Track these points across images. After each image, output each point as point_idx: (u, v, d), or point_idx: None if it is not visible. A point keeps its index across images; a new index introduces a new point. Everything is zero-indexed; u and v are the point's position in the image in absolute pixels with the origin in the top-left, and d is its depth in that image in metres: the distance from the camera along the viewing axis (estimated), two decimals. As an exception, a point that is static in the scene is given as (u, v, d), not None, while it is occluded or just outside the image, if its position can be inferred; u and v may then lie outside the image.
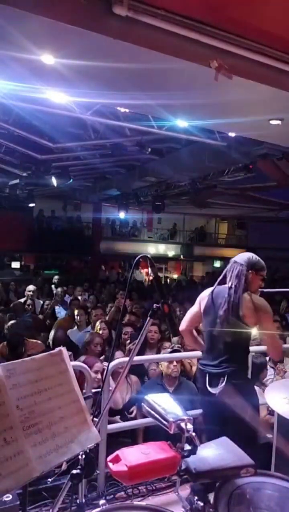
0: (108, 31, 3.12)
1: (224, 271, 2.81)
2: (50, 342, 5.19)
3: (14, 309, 6.91)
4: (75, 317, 6.28)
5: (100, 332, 4.94)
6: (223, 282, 2.79)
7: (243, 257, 2.78)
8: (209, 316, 2.73)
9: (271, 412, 3.78)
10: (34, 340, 4.74)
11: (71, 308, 6.92)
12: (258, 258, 2.78)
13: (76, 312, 6.38)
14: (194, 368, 4.58)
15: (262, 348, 4.71)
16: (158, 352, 4.52)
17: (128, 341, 4.76)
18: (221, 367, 2.63)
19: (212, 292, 2.78)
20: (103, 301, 8.91)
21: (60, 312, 7.77)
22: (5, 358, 4.07)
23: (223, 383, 2.57)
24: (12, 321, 4.73)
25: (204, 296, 2.82)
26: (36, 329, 5.84)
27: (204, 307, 2.78)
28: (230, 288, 2.67)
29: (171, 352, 4.12)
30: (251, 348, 4.46)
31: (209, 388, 2.62)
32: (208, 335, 2.75)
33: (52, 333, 5.05)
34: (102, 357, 4.24)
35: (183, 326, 2.93)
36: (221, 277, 2.81)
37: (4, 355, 4.27)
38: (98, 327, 5.09)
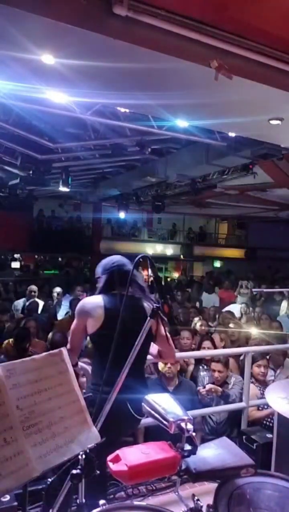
0: (108, 31, 3.12)
1: (105, 277, 2.45)
2: (48, 345, 5.19)
3: (29, 308, 6.98)
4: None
5: None
6: (109, 289, 2.41)
7: (126, 260, 2.47)
8: (108, 329, 2.14)
9: (260, 408, 3.85)
10: (37, 340, 4.79)
11: (73, 308, 6.93)
12: None
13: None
14: (191, 367, 4.60)
15: (262, 348, 4.74)
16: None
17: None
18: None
19: (108, 301, 2.34)
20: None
21: (59, 312, 7.79)
22: (9, 355, 4.14)
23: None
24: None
25: (93, 308, 2.34)
26: (46, 330, 5.88)
27: (102, 319, 2.29)
28: (132, 297, 2.31)
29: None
30: (251, 348, 4.48)
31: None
32: (106, 349, 2.03)
33: (50, 335, 5.04)
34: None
35: (73, 345, 2.45)
36: (103, 284, 2.45)
37: (9, 352, 4.32)
38: None
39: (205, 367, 4.39)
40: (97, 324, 2.30)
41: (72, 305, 7.22)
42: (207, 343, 4.64)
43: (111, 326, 2.05)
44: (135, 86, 4.16)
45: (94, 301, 2.39)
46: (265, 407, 3.84)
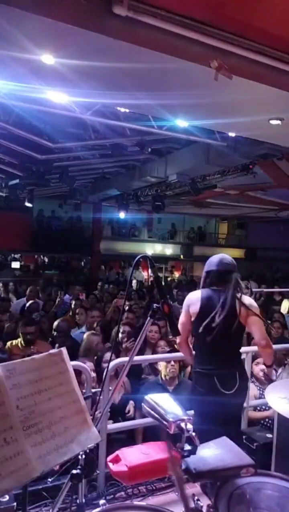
0: (108, 31, 3.12)
1: (207, 273, 2.82)
2: (54, 333, 5.26)
3: (30, 309, 6.99)
4: (76, 316, 6.29)
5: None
6: (209, 284, 2.79)
7: (232, 260, 2.83)
8: (203, 320, 2.69)
9: (257, 408, 3.84)
10: (42, 341, 4.80)
11: (74, 308, 6.93)
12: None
13: (76, 311, 6.40)
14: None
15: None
16: (154, 351, 4.54)
17: (126, 339, 4.74)
18: (231, 368, 2.69)
19: (204, 296, 2.76)
20: (102, 300, 8.92)
21: (58, 312, 7.78)
22: (13, 353, 4.16)
23: (237, 383, 2.64)
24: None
25: (192, 302, 2.80)
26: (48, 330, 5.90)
27: (197, 311, 2.74)
28: (226, 291, 2.70)
29: (169, 352, 4.14)
30: (251, 348, 4.48)
31: (221, 389, 2.63)
32: (206, 338, 2.69)
33: (56, 322, 5.18)
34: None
35: (179, 338, 2.92)
36: (205, 279, 2.83)
37: (13, 351, 4.31)
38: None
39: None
40: (192, 315, 2.76)
41: (74, 305, 7.23)
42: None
43: (201, 317, 2.67)
44: (135, 86, 4.16)
45: (194, 295, 2.83)
46: (264, 407, 3.83)
